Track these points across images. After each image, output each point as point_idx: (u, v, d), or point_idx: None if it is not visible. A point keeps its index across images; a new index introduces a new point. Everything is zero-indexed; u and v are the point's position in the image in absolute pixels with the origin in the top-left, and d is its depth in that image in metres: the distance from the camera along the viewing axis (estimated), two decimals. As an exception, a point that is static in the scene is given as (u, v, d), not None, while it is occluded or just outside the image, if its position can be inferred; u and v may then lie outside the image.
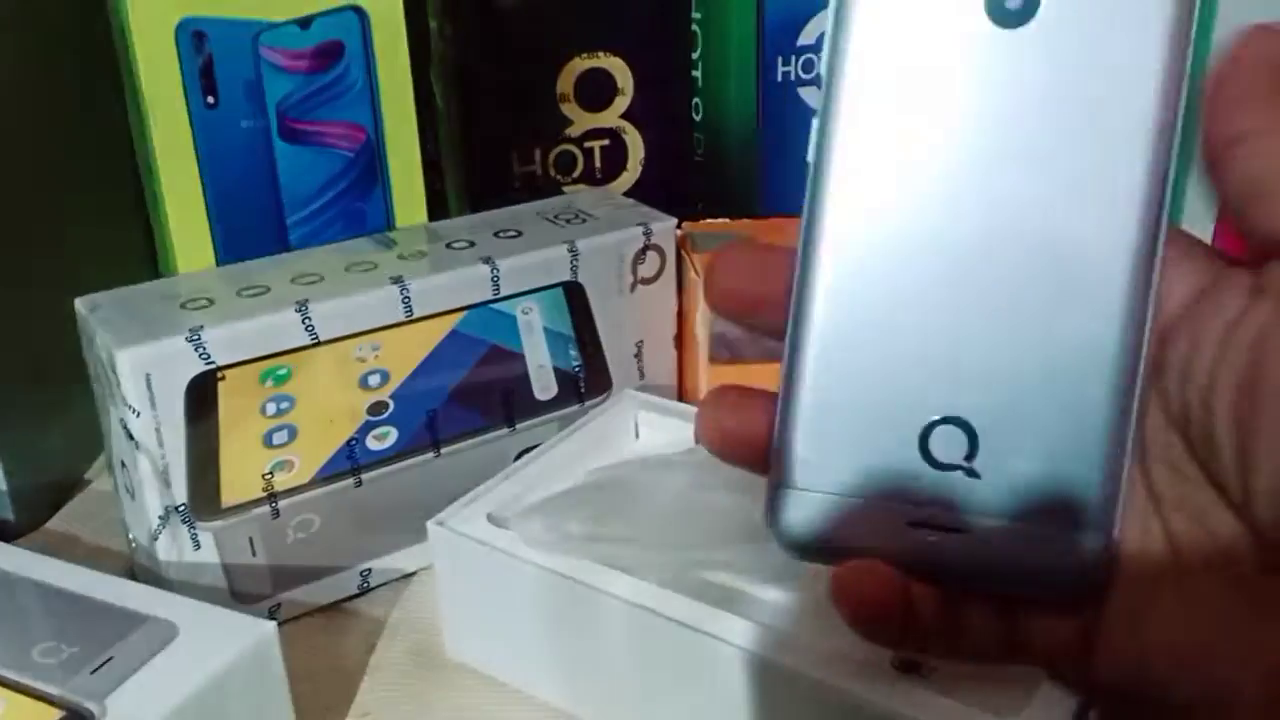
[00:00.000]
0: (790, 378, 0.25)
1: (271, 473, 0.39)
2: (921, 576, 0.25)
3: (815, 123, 0.24)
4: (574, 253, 0.43)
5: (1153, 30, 0.22)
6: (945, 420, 0.24)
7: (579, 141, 0.55)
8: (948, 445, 0.24)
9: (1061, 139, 0.23)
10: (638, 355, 0.47)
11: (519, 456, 0.43)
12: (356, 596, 0.42)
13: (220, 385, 0.37)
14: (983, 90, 0.23)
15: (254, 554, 0.39)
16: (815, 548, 0.25)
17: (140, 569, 0.41)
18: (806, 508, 0.25)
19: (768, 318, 0.26)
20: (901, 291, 0.24)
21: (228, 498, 0.38)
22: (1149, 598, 0.24)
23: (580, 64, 0.54)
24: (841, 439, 0.25)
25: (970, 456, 0.24)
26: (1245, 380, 0.22)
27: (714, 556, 0.35)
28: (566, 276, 0.44)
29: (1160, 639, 0.24)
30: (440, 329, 0.41)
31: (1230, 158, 0.23)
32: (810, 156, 0.24)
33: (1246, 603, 0.23)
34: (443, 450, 0.42)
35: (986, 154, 0.23)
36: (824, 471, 0.25)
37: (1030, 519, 0.24)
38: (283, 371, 0.38)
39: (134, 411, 0.36)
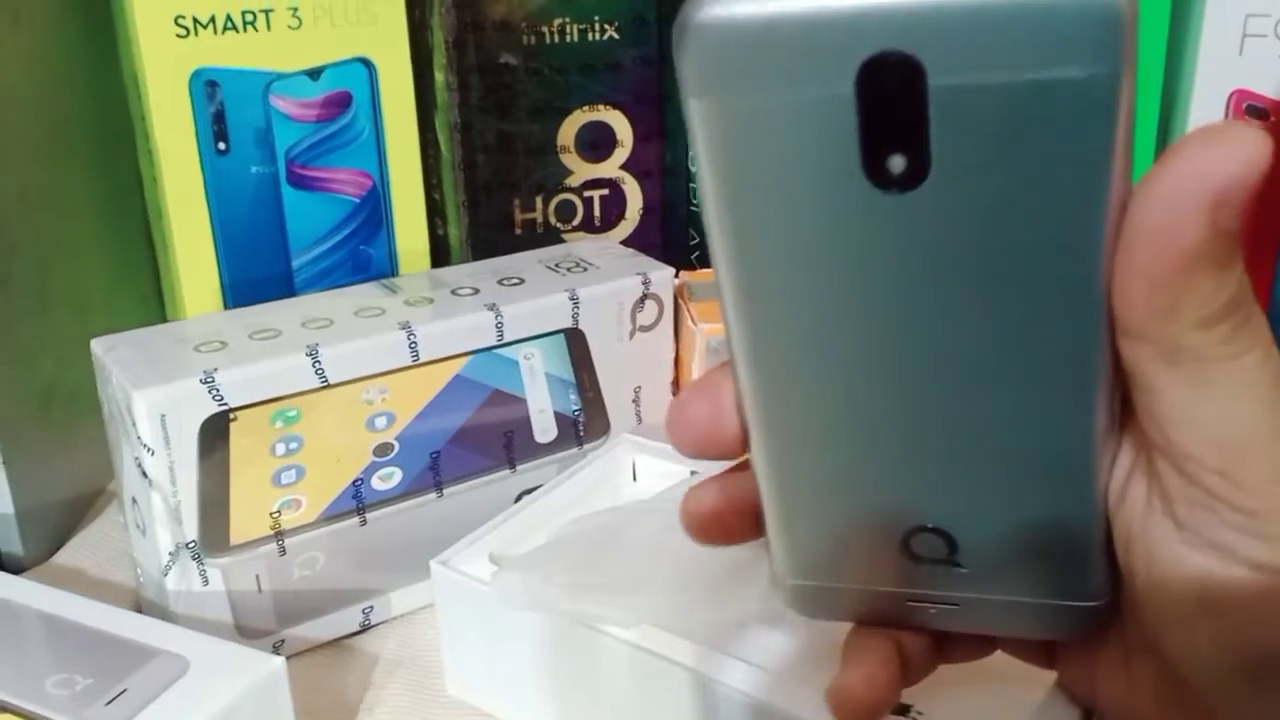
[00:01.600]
0: (764, 496, 0.25)
1: (279, 511, 0.40)
2: (921, 631, 0.26)
3: (721, 294, 0.22)
4: (575, 301, 0.45)
5: (1070, 175, 0.19)
6: (920, 529, 0.24)
7: (579, 191, 0.56)
8: (928, 548, 0.24)
9: (984, 286, 0.20)
10: (635, 400, 0.48)
11: (520, 497, 0.44)
12: (358, 633, 0.43)
13: (232, 426, 0.38)
14: (884, 254, 0.20)
15: (260, 590, 0.40)
16: (821, 617, 0.27)
17: (146, 603, 0.42)
18: (806, 593, 0.26)
19: (736, 453, 0.25)
20: (846, 426, 0.23)
21: (236, 535, 0.39)
22: (1100, 651, 0.26)
23: (581, 116, 0.55)
24: (826, 548, 0.25)
25: (953, 553, 0.24)
26: (1125, 563, 0.23)
27: (692, 600, 0.36)
28: (568, 323, 0.45)
29: (1107, 695, 0.26)
30: (445, 373, 0.42)
31: (1120, 340, 0.20)
32: (724, 323, 0.23)
33: (1177, 702, 0.24)
34: (445, 491, 0.43)
35: (904, 311, 0.21)
36: (816, 570, 0.25)
37: (1021, 594, 0.24)
38: (292, 413, 0.39)
39: (148, 450, 0.37)
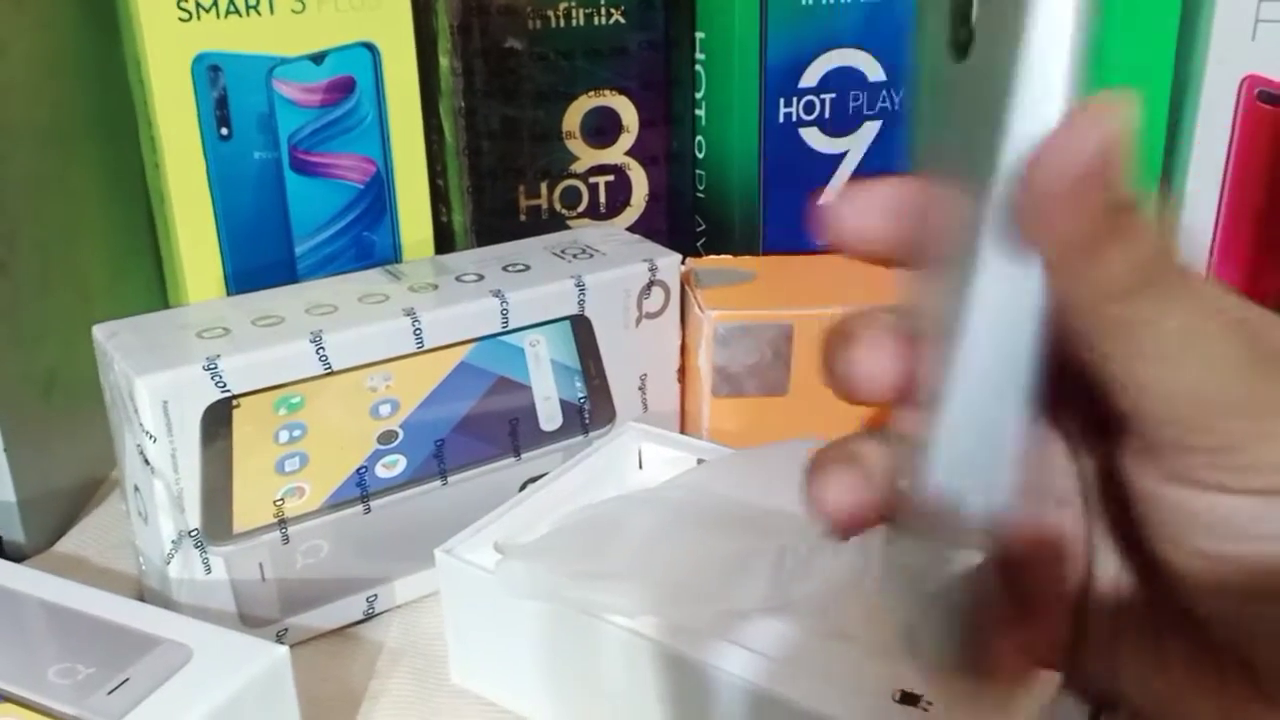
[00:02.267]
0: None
1: (282, 499, 0.39)
2: None
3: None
4: (581, 287, 0.44)
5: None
6: None
7: (584, 177, 0.56)
8: None
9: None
10: (641, 388, 0.48)
11: (524, 486, 0.43)
12: (362, 622, 0.42)
13: (235, 412, 0.38)
14: (954, 122, 0.21)
15: (263, 578, 0.40)
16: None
17: (149, 591, 0.41)
18: None
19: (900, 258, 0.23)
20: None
21: (239, 523, 0.39)
22: (1122, 642, 0.25)
23: (586, 102, 0.55)
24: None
25: None
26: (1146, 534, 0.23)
27: (696, 589, 0.35)
28: (573, 310, 0.45)
29: (1135, 691, 0.25)
30: (450, 360, 0.42)
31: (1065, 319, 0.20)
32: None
33: (1215, 669, 0.23)
34: (450, 479, 0.43)
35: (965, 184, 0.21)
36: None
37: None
38: (296, 400, 0.39)
39: (151, 437, 0.37)
